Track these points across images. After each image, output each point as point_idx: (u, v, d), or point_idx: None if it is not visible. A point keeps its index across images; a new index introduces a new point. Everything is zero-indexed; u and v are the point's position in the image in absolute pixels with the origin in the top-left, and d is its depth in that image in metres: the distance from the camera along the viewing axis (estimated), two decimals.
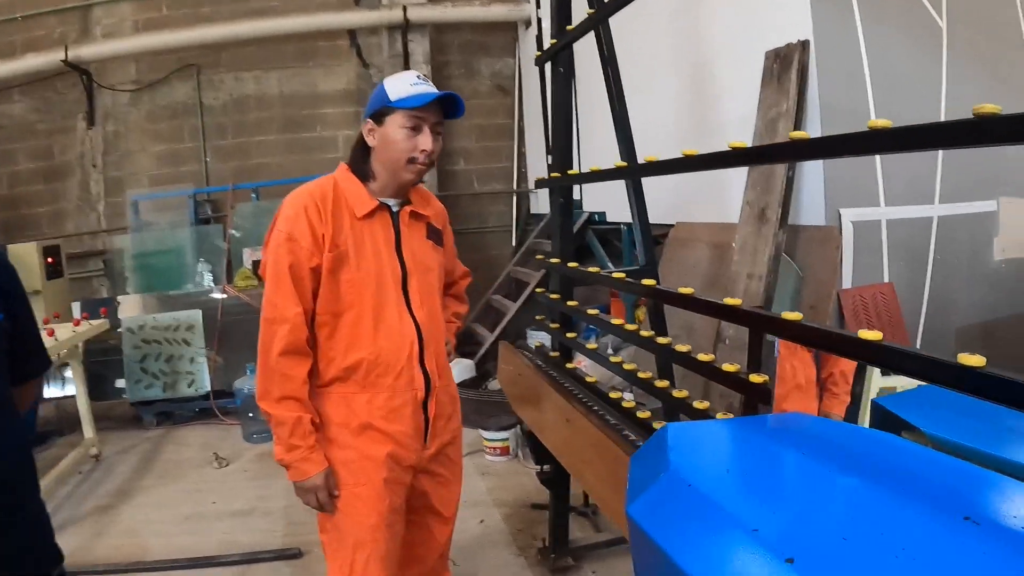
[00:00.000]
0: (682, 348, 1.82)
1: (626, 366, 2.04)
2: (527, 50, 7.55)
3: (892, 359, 1.10)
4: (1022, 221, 3.72)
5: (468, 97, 7.24)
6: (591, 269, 2.43)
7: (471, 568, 3.28)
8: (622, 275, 2.15)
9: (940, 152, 3.42)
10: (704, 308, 1.73)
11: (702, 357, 1.71)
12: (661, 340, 1.95)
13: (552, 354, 2.69)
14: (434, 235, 2.09)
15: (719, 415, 1.65)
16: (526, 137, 7.89)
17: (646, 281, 1.99)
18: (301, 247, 1.83)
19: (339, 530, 1.97)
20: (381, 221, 1.95)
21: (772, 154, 1.88)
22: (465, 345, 6.51)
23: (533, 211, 7.86)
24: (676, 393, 1.84)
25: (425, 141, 1.85)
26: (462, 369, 5.56)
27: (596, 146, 3.55)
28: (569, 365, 2.48)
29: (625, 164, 2.32)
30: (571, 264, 2.56)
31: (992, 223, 3.69)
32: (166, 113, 7.53)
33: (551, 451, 2.49)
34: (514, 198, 8.04)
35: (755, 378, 1.51)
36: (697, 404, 1.75)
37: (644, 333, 2.02)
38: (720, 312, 1.66)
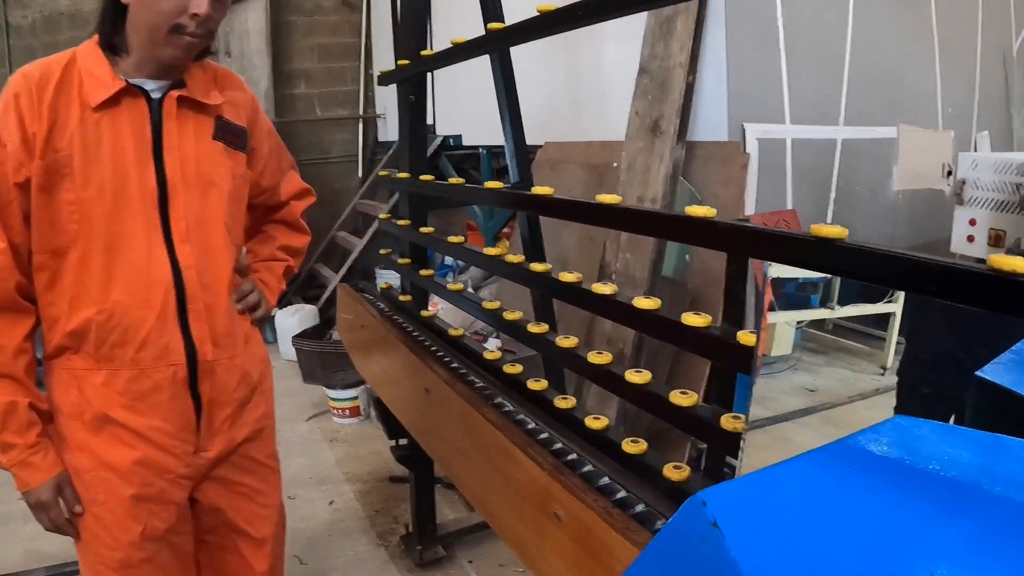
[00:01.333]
0: (568, 277, 1.26)
1: (494, 308, 1.43)
2: None
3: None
4: (918, 151, 3.76)
5: (310, 12, 6.61)
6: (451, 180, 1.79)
7: (321, 565, 2.67)
8: (497, 184, 1.52)
9: (846, 72, 3.40)
10: (618, 220, 1.14)
11: (598, 288, 1.15)
12: (537, 267, 1.40)
13: (402, 298, 2.05)
14: (230, 134, 1.48)
15: (632, 376, 1.10)
16: (374, 58, 7.06)
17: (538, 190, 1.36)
18: (7, 153, 1.29)
19: (86, 565, 1.44)
20: (131, 112, 1.35)
21: None
22: (308, 289, 5.81)
23: (381, 139, 7.20)
24: (561, 341, 1.27)
25: (199, 2, 1.27)
26: (303, 317, 4.82)
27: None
28: (425, 313, 1.85)
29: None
30: (424, 177, 1.90)
31: (892, 151, 3.67)
32: None
33: (406, 428, 1.88)
34: (360, 124, 7.24)
35: (694, 320, 0.98)
36: (593, 357, 1.18)
37: (511, 258, 1.45)
38: (644, 222, 1.08)
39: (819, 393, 3.51)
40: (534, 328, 1.31)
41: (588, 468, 1.13)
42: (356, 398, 3.80)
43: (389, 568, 2.63)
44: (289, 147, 1.78)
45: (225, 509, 1.55)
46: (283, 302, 5.67)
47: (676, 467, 1.03)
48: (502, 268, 1.49)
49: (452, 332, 1.66)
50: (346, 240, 5.83)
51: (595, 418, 1.16)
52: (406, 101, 2.12)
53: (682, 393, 1.06)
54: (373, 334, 2.04)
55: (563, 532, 1.09)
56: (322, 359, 4.23)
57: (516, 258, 1.47)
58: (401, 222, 2.04)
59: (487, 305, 1.45)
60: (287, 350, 4.75)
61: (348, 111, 7.24)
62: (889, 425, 0.52)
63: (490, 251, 1.53)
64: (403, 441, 2.35)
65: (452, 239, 1.69)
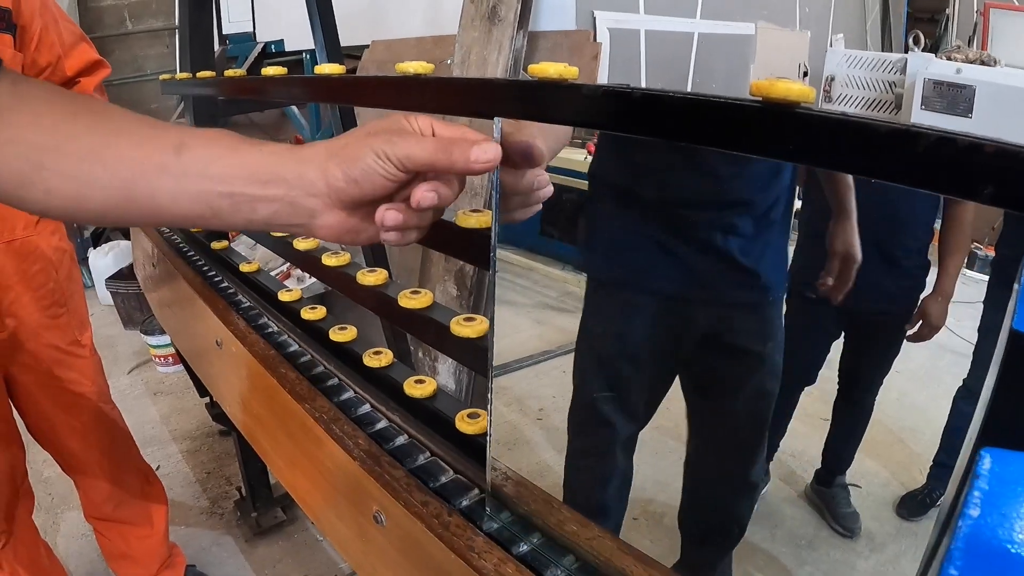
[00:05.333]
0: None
1: (328, 260, 1.05)
2: None
3: None
4: (775, 49, 3.60)
5: None
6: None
7: None
8: (279, 70, 1.11)
9: None
10: (434, 96, 0.79)
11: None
12: None
13: (196, 228, 1.63)
14: None
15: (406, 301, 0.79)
16: None
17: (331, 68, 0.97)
18: None
19: None
20: None
21: None
22: (127, 226, 5.10)
23: None
24: (366, 277, 0.93)
25: None
26: (119, 255, 4.18)
27: None
28: (217, 244, 1.45)
29: None
30: (203, 74, 1.46)
31: (750, 48, 3.47)
32: None
33: (205, 385, 1.50)
34: (177, 36, 6.39)
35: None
36: (407, 299, 0.85)
37: None
38: (473, 95, 0.75)
39: None
40: (329, 260, 0.95)
41: (420, 457, 0.81)
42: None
43: (225, 540, 2.27)
44: None
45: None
46: (98, 239, 4.96)
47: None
48: None
49: (244, 267, 1.27)
50: None
51: (417, 381, 0.84)
52: None
53: (466, 320, 0.77)
54: (163, 273, 1.62)
55: (387, 540, 0.78)
56: (140, 301, 3.67)
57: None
58: None
59: (300, 245, 1.08)
60: (104, 294, 4.13)
61: (163, 22, 6.38)
62: None
63: None
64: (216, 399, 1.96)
65: None
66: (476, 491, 0.75)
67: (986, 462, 0.41)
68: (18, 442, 1.64)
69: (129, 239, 4.47)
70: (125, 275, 3.87)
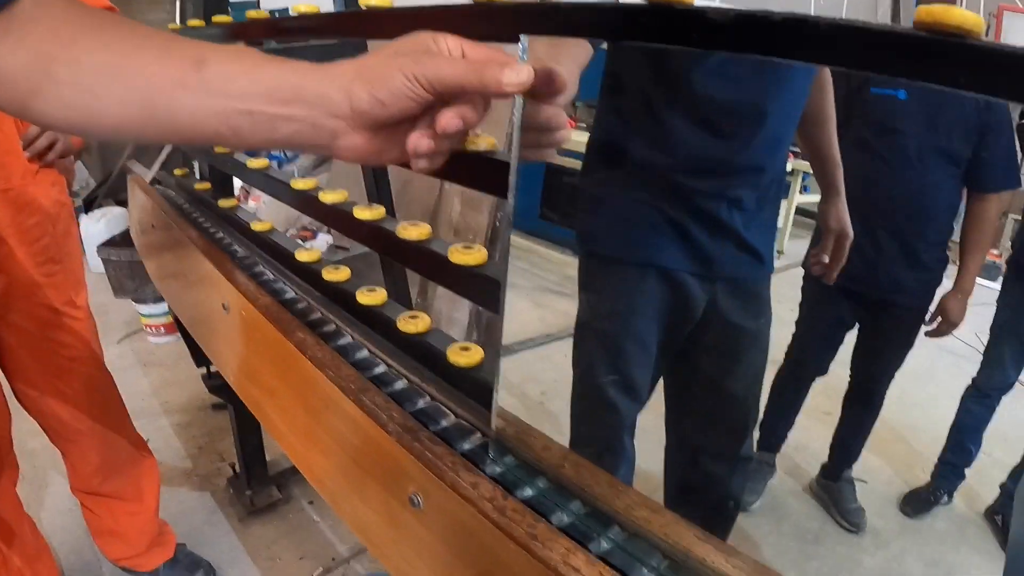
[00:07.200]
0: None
1: (326, 196, 0.95)
2: None
3: None
4: None
5: None
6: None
7: None
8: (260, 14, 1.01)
9: None
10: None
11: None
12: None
13: (199, 186, 1.52)
14: None
15: (405, 232, 0.70)
16: None
17: None
18: None
19: None
20: None
21: None
22: (120, 191, 4.96)
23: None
24: (363, 212, 0.85)
25: None
26: (111, 221, 4.07)
27: None
28: (225, 202, 1.35)
29: None
30: (219, 19, 1.36)
31: None
32: None
33: (206, 354, 1.40)
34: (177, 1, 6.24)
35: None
36: (405, 230, 0.77)
37: None
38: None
39: None
40: (361, 212, 0.86)
41: (447, 424, 0.72)
42: (171, 313, 3.21)
43: (217, 518, 2.18)
44: None
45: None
46: (90, 205, 4.83)
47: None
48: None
49: (256, 226, 1.17)
50: None
51: (463, 348, 0.75)
52: None
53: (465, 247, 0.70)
54: (164, 235, 1.52)
55: (424, 526, 0.69)
56: (132, 269, 3.57)
57: None
58: None
59: (297, 184, 0.98)
60: (96, 262, 4.00)
61: None
62: None
63: None
64: (215, 368, 1.87)
65: None
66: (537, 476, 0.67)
67: None
68: (3, 409, 1.53)
69: (123, 206, 4.35)
70: (117, 242, 3.75)
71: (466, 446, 0.71)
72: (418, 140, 0.53)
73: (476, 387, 0.73)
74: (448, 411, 0.76)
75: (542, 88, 0.54)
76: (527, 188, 5.29)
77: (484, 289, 0.68)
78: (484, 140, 0.65)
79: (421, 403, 0.78)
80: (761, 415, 2.54)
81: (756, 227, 1.39)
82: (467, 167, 0.65)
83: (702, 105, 1.27)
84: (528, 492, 0.64)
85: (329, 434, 0.83)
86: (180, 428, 2.64)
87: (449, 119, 0.51)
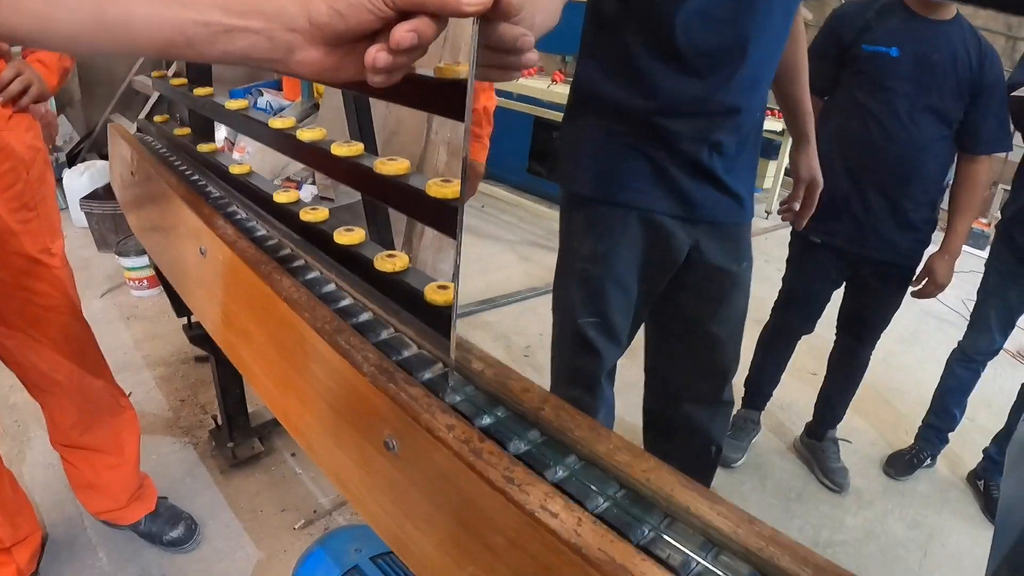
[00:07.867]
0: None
1: (304, 135, 0.91)
2: None
3: None
4: None
5: None
6: None
7: None
8: None
9: None
10: None
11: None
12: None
13: (179, 132, 1.47)
14: None
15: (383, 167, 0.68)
16: None
17: None
18: None
19: None
20: None
21: None
22: (104, 145, 4.87)
23: None
24: (340, 149, 0.82)
25: None
26: (94, 175, 3.98)
27: None
28: (204, 147, 1.30)
29: None
30: None
31: None
32: None
33: (185, 302, 1.37)
34: None
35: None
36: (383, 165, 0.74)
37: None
38: None
39: None
40: (339, 148, 0.82)
41: (426, 372, 0.70)
42: (152, 264, 3.17)
43: (199, 471, 2.17)
44: None
45: None
46: (74, 159, 4.74)
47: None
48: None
49: (235, 169, 1.13)
50: (146, 85, 4.88)
51: (441, 286, 0.72)
52: None
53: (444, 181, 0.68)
54: (142, 179, 1.48)
55: (399, 471, 0.67)
56: (115, 222, 3.52)
57: None
58: None
59: (275, 123, 0.95)
60: (79, 216, 3.94)
61: None
62: None
63: None
64: (195, 320, 1.84)
65: None
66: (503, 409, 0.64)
67: None
68: None
69: (106, 159, 4.27)
70: (100, 195, 3.69)
71: (437, 382, 0.69)
72: (376, 54, 0.52)
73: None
74: (427, 353, 0.74)
75: (504, 9, 0.53)
76: (515, 142, 5.24)
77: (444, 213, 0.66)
78: (452, 69, 0.63)
79: (398, 346, 0.75)
80: (747, 372, 2.54)
81: (736, 171, 1.38)
82: (424, 89, 0.62)
83: (682, 45, 1.24)
84: (500, 430, 0.62)
85: (304, 378, 0.81)
86: (162, 381, 2.62)
87: (403, 33, 0.51)
